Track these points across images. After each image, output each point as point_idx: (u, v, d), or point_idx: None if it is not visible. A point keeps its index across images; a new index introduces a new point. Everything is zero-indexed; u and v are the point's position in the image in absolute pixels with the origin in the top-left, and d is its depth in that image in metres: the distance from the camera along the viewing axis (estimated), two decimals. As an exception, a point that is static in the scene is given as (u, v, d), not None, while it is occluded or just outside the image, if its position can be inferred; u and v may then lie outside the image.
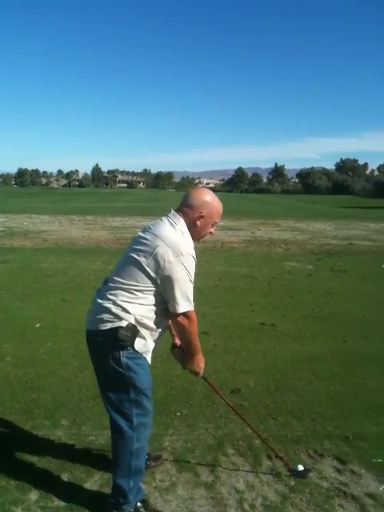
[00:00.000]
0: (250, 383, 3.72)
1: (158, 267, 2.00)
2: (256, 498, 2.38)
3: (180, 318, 2.06)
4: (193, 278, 2.07)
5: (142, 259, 2.03)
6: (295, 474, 2.54)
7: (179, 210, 2.18)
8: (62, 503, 2.29)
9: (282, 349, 4.56)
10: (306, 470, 2.57)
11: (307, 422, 3.13)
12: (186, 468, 2.61)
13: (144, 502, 2.26)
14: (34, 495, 2.35)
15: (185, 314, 2.06)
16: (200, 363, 2.27)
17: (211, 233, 2.27)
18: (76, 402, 3.33)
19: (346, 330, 5.18)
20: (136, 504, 2.21)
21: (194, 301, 2.09)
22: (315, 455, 2.76)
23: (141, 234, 2.15)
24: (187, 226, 2.14)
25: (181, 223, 2.13)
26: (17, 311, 5.76)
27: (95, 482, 2.46)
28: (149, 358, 2.16)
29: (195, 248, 2.12)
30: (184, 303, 2.04)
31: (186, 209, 2.17)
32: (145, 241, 2.07)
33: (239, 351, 4.46)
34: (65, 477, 2.50)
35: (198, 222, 2.16)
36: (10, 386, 3.60)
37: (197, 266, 2.10)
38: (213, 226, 2.24)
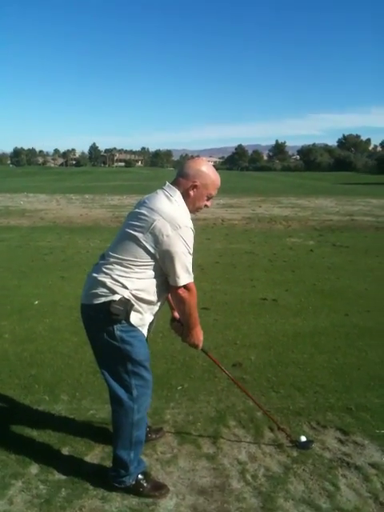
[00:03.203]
0: (251, 357, 3.69)
1: (156, 242, 1.97)
2: (258, 468, 2.36)
3: (180, 291, 2.04)
4: (192, 250, 2.04)
5: (139, 234, 1.99)
6: (298, 445, 2.52)
7: (174, 181, 2.13)
8: (63, 477, 2.27)
9: (284, 323, 4.52)
10: (309, 441, 2.55)
11: (309, 394, 3.10)
12: (188, 440, 2.59)
13: (145, 473, 2.24)
14: (34, 469, 2.33)
15: (185, 286, 2.04)
16: (199, 336, 2.24)
17: (207, 206, 2.20)
18: (76, 377, 3.31)
19: (347, 305, 5.14)
20: (137, 476, 2.19)
21: (194, 277, 2.05)
22: (318, 427, 2.74)
23: (137, 209, 2.10)
24: (182, 196, 2.09)
25: (177, 195, 2.07)
26: (15, 289, 5.71)
27: (96, 455, 2.45)
28: (145, 331, 2.13)
29: (194, 222, 2.05)
30: (184, 276, 2.01)
31: (180, 179, 2.11)
32: (141, 216, 2.02)
33: (240, 326, 4.42)
34: (65, 450, 2.49)
35: (192, 192, 2.10)
36: (8, 362, 3.57)
37: (197, 242, 2.06)
38: (209, 199, 2.18)
